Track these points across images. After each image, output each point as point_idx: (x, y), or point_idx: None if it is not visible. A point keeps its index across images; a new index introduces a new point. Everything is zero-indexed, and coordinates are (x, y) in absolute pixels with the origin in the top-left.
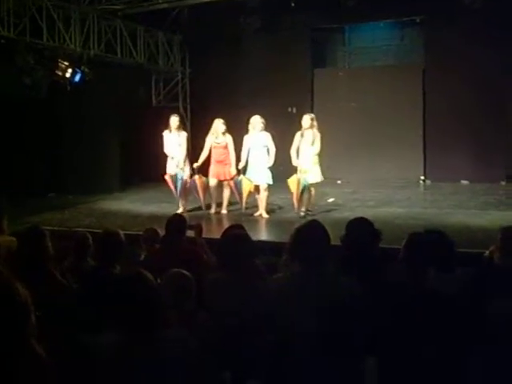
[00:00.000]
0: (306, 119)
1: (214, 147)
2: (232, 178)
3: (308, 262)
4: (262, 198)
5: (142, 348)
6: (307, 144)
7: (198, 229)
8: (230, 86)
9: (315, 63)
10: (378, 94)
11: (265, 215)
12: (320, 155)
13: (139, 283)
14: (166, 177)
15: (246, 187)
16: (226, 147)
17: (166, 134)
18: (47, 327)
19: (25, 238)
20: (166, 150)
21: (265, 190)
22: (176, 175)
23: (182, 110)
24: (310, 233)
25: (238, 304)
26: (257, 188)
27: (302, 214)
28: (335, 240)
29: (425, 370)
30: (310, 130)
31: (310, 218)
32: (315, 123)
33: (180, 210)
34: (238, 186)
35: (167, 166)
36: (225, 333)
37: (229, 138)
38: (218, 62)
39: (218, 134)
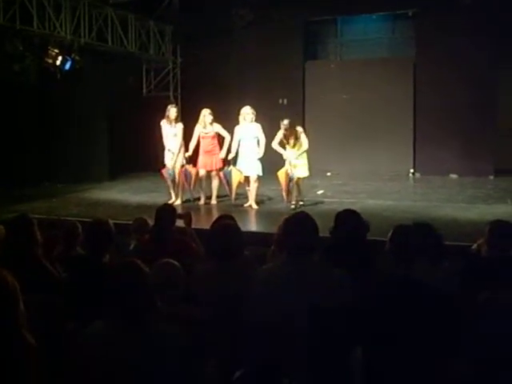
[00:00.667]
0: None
1: (202, 137)
2: (221, 168)
3: (296, 252)
4: (252, 190)
5: (131, 337)
6: (291, 141)
7: (188, 218)
8: (220, 77)
9: (307, 55)
10: (370, 87)
11: (254, 206)
12: (308, 151)
13: (133, 272)
14: (163, 171)
15: (236, 178)
16: (213, 137)
17: (163, 124)
18: (35, 315)
19: (13, 226)
20: (165, 141)
21: (255, 181)
22: (171, 170)
23: (172, 99)
24: (299, 224)
25: (226, 294)
26: (247, 179)
27: (292, 206)
28: (324, 231)
29: (412, 360)
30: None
31: (299, 210)
32: (300, 130)
33: (174, 201)
34: (227, 177)
35: (165, 157)
36: (213, 323)
37: (217, 127)
38: (209, 53)
39: (205, 124)
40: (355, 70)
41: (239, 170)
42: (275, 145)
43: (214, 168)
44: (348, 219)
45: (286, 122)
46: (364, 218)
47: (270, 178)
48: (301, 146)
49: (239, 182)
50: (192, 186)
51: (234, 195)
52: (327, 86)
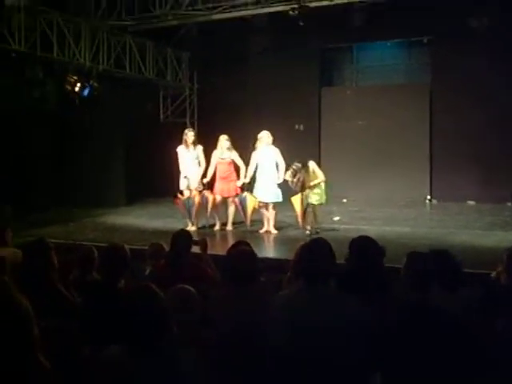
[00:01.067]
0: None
1: (219, 163)
2: (237, 195)
3: (312, 279)
4: (270, 216)
5: (146, 362)
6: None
7: (203, 244)
8: (237, 103)
9: (323, 81)
10: (386, 113)
11: (274, 231)
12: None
13: (148, 296)
14: (179, 201)
15: (251, 204)
16: (230, 163)
17: (180, 149)
18: (51, 340)
19: (30, 251)
20: (182, 166)
21: (273, 208)
22: (188, 199)
23: (189, 125)
24: (315, 250)
25: (243, 320)
26: (263, 205)
27: (308, 232)
28: (340, 258)
29: None
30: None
31: (315, 236)
32: (311, 165)
33: (191, 228)
34: (242, 203)
35: (180, 184)
36: (229, 349)
37: (234, 155)
38: (225, 79)
39: (222, 150)
40: (371, 97)
41: (254, 196)
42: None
43: (230, 194)
44: (364, 245)
45: (298, 164)
46: (380, 244)
47: (285, 203)
48: (316, 178)
49: (254, 208)
50: (208, 212)
51: (249, 221)
52: (343, 112)
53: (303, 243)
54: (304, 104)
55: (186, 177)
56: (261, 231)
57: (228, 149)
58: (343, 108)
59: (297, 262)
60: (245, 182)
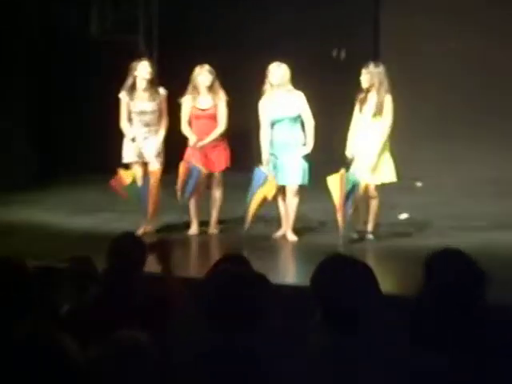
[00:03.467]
0: (367, 74)
1: (196, 116)
2: (226, 169)
3: (340, 327)
4: (290, 209)
5: None
6: (368, 115)
7: (164, 250)
8: (232, 15)
9: None
10: (504, 31)
11: (291, 238)
12: (391, 137)
13: (50, 359)
14: (118, 180)
15: (265, 191)
16: (214, 116)
17: (123, 96)
18: None
19: None
20: (124, 124)
21: (295, 194)
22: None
23: (143, 49)
24: (340, 274)
25: None
26: (280, 192)
27: (355, 235)
28: (406, 286)
29: None
30: (373, 92)
31: (370, 241)
32: (381, 78)
33: (145, 228)
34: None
35: (124, 154)
36: None
37: (221, 102)
38: None
39: (199, 92)
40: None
41: (271, 180)
42: (352, 134)
43: (216, 169)
44: (450, 266)
45: (377, 66)
46: (481, 265)
47: (316, 188)
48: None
49: (264, 199)
50: (179, 197)
51: (250, 218)
52: (420, 28)
53: (322, 261)
54: (347, 13)
55: (133, 139)
56: (276, 235)
57: (210, 90)
58: (420, 20)
59: (316, 292)
60: (263, 158)
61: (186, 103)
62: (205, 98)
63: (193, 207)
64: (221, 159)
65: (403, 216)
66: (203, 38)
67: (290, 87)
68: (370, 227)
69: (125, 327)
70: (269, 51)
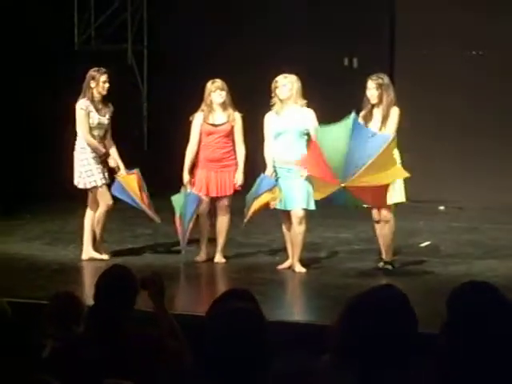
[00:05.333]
0: (374, 89)
1: (208, 132)
2: (234, 192)
3: (373, 365)
4: (296, 237)
5: None
6: (374, 127)
7: (156, 286)
8: (235, 13)
9: None
10: None
11: (299, 269)
12: (399, 146)
13: None
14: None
15: (272, 199)
16: (229, 134)
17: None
18: None
19: None
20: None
21: (300, 220)
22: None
23: (130, 57)
24: (378, 309)
25: None
26: (285, 216)
27: (382, 264)
28: (429, 323)
29: None
30: (379, 107)
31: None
32: (389, 91)
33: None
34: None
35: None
36: None
37: (237, 117)
38: None
39: (213, 109)
40: None
41: (275, 190)
42: None
43: (226, 193)
44: (477, 301)
45: (381, 76)
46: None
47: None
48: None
49: (267, 204)
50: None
51: (251, 215)
52: (439, 32)
53: (353, 296)
54: (362, 20)
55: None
56: (281, 267)
57: (224, 106)
58: (439, 23)
59: (341, 332)
60: (268, 171)
61: (197, 120)
62: (218, 114)
63: (203, 232)
64: (230, 182)
65: (424, 244)
66: (202, 45)
67: (302, 102)
68: (385, 255)
69: (112, 373)
70: (277, 61)
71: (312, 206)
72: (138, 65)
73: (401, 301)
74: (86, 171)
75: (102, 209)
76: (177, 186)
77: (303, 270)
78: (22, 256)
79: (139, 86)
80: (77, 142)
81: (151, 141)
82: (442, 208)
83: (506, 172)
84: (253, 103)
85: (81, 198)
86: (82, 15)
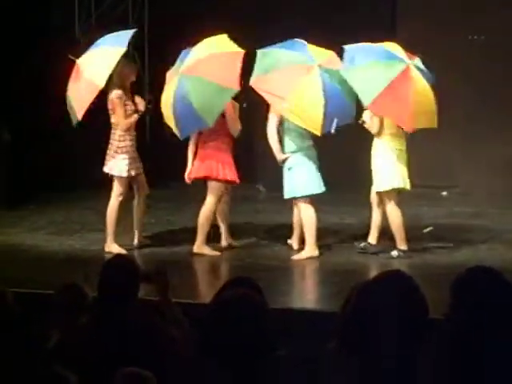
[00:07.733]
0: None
1: None
2: (232, 182)
3: (380, 356)
4: (304, 225)
5: None
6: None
7: (162, 281)
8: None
9: None
10: None
11: (305, 254)
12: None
13: None
14: None
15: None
16: (222, 118)
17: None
18: None
19: None
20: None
21: (295, 207)
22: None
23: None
24: (388, 295)
25: None
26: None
27: (396, 253)
28: (433, 309)
29: None
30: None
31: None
32: None
33: (137, 243)
34: None
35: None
36: None
37: (233, 109)
38: None
39: None
40: None
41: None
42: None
43: (225, 177)
44: (482, 286)
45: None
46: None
47: (340, 192)
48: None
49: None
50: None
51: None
52: (437, 12)
53: (361, 282)
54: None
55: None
56: (294, 258)
57: None
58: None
59: (347, 320)
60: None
61: None
62: None
63: (221, 219)
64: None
65: (427, 229)
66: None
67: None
68: (399, 243)
69: (118, 362)
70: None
71: (296, 194)
72: (140, 52)
73: (410, 286)
74: (123, 159)
75: (116, 200)
76: (180, 175)
77: (317, 253)
78: (27, 246)
79: (141, 72)
80: (113, 131)
81: (153, 130)
82: (444, 193)
83: (509, 157)
84: (253, 103)
85: (84, 188)
86: (82, 3)
